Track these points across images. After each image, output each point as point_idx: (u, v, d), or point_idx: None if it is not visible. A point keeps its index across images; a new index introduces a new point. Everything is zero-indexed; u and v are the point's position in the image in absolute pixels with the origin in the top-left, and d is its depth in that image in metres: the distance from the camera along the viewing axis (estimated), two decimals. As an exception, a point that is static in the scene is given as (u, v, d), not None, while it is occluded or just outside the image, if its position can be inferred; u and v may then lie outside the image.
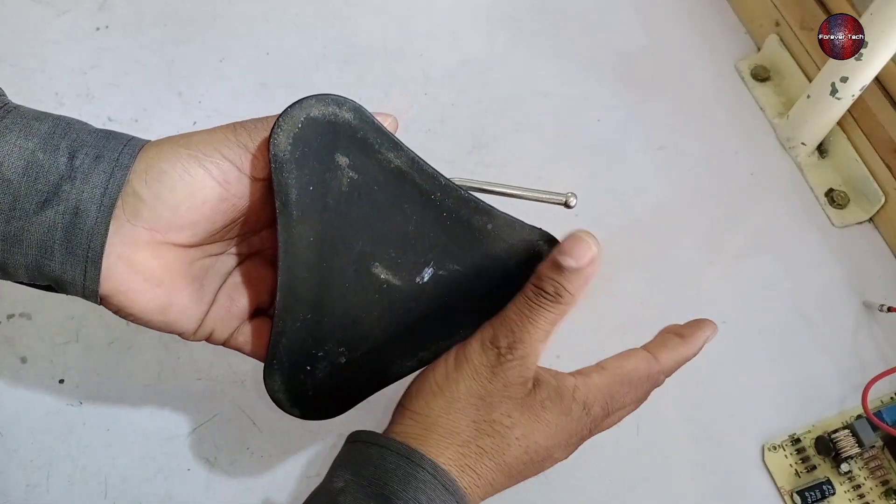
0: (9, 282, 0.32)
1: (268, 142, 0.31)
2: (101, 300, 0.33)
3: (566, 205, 0.36)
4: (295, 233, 0.32)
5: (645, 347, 0.38)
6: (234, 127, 0.32)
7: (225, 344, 0.37)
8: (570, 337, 0.52)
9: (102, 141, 0.31)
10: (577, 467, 0.48)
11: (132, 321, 0.34)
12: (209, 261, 0.36)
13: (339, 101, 0.31)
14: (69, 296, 0.50)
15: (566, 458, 0.36)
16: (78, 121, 0.32)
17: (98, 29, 0.61)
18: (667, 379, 0.38)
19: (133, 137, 0.32)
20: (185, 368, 0.49)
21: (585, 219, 0.56)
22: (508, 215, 0.35)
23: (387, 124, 0.33)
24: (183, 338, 0.36)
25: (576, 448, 0.36)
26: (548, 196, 0.35)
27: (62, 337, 0.50)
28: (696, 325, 0.40)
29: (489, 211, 0.34)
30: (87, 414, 0.48)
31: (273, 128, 0.31)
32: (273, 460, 0.47)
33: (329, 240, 0.33)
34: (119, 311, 0.34)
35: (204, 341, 0.37)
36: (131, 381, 0.49)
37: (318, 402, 0.36)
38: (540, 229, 0.35)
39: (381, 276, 0.34)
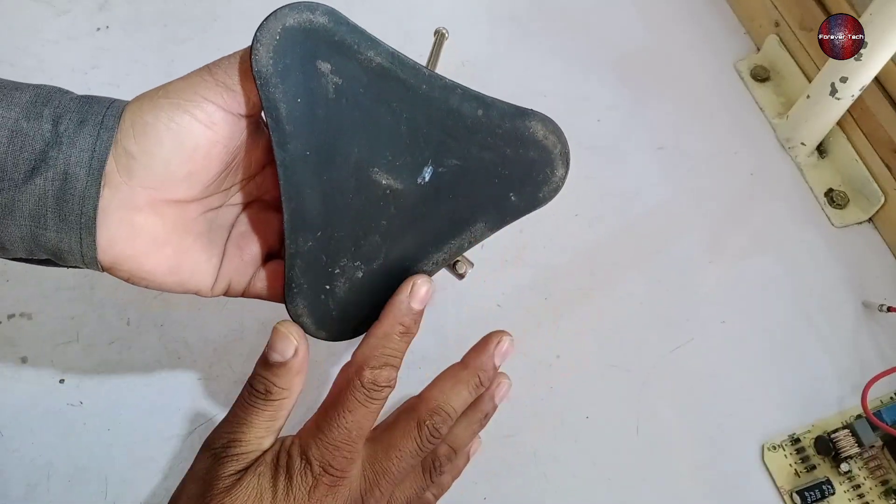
0: (9, 282, 0.31)
1: (249, 67, 0.30)
2: (110, 269, 0.33)
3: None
4: (291, 149, 0.32)
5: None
6: (210, 68, 0.32)
7: (244, 294, 0.37)
8: (570, 337, 0.52)
9: (85, 105, 0.31)
10: (577, 467, 0.48)
11: (146, 286, 0.34)
12: (211, 214, 0.35)
13: (312, 5, 0.31)
14: (68, 296, 0.50)
15: None
16: (58, 88, 0.32)
17: (98, 29, 0.61)
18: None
19: (115, 100, 0.32)
20: (185, 368, 0.49)
21: (586, 219, 0.56)
22: (499, 100, 0.34)
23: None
24: (201, 295, 0.35)
25: (336, 500, 0.33)
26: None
27: (62, 337, 0.50)
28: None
29: (478, 97, 0.33)
30: (88, 414, 0.48)
31: (252, 43, 0.30)
32: (273, 460, 0.47)
33: (325, 152, 0.32)
34: (131, 278, 0.33)
35: (223, 296, 0.36)
36: (131, 381, 0.49)
37: (342, 321, 0.35)
38: (532, 110, 0.35)
39: (383, 182, 0.33)
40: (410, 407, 0.36)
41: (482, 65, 0.62)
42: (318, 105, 0.31)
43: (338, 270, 0.34)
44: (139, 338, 0.50)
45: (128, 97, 0.57)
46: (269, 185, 0.37)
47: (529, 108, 0.35)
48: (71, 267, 0.33)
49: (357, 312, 0.36)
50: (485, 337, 0.39)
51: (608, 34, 0.64)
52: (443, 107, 0.33)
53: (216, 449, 0.34)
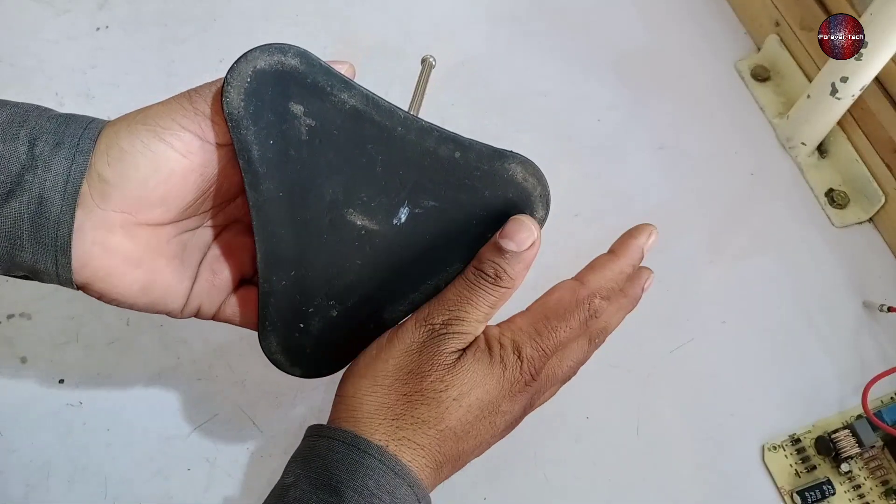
0: (9, 282, 0.32)
1: (220, 102, 0.30)
2: (83, 287, 0.33)
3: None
4: (263, 189, 0.32)
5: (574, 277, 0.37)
6: (190, 95, 0.32)
7: (214, 318, 0.37)
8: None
9: (62, 126, 0.31)
10: (578, 467, 0.48)
11: (117, 305, 0.34)
12: (186, 236, 0.36)
13: (283, 48, 0.30)
14: (68, 297, 0.50)
15: (521, 413, 0.36)
16: (37, 106, 0.32)
17: (98, 29, 0.61)
18: (608, 307, 0.36)
19: (93, 119, 0.32)
20: (185, 368, 0.49)
21: (585, 219, 0.56)
22: (477, 142, 0.34)
23: (344, 70, 0.32)
24: (171, 316, 0.36)
25: (527, 400, 0.35)
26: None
27: (62, 337, 0.50)
28: (627, 235, 0.38)
29: (455, 139, 0.33)
30: (87, 414, 0.48)
31: (223, 85, 0.30)
32: (273, 460, 0.47)
33: (298, 192, 0.32)
34: (102, 297, 0.33)
35: (193, 317, 0.37)
36: (131, 382, 0.49)
37: (317, 359, 0.36)
38: (512, 153, 0.34)
39: (358, 223, 0.33)
40: (570, 288, 0.36)
41: (482, 65, 0.62)
42: (291, 147, 0.31)
43: (311, 309, 0.35)
44: (139, 338, 0.50)
45: (126, 97, 0.56)
46: (239, 208, 0.37)
47: (509, 150, 0.34)
48: (47, 283, 0.33)
49: (332, 350, 0.36)
50: (634, 227, 0.39)
51: (608, 34, 0.64)
52: (419, 149, 0.33)
53: (435, 324, 0.34)
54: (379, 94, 0.32)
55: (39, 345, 0.49)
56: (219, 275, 0.37)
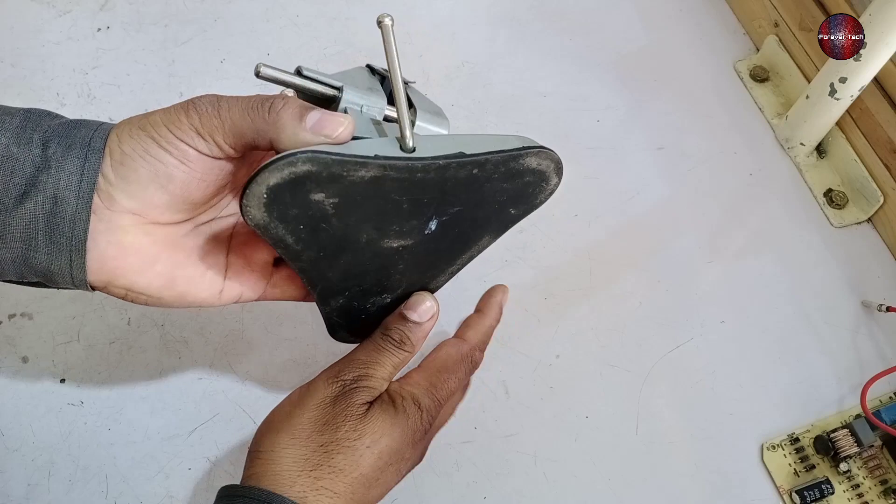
0: (10, 283, 0.32)
1: (224, 133, 0.31)
2: (105, 288, 0.33)
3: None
4: (304, 258, 0.34)
5: (454, 335, 0.43)
6: (188, 108, 0.32)
7: (259, 300, 0.38)
8: (570, 337, 0.52)
9: (73, 130, 0.31)
10: (577, 467, 0.48)
11: (145, 303, 0.34)
12: (203, 227, 0.36)
13: (291, 160, 0.30)
14: (69, 296, 0.50)
15: (419, 458, 0.40)
16: (47, 112, 0.32)
17: (99, 29, 0.61)
18: (483, 356, 0.43)
19: (103, 123, 0.32)
20: (185, 368, 0.49)
21: (585, 219, 0.56)
22: (492, 154, 0.34)
23: (341, 129, 0.31)
24: (207, 306, 0.36)
25: (424, 446, 0.40)
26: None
27: (63, 337, 0.50)
28: (488, 295, 0.45)
29: (472, 161, 0.34)
30: (88, 413, 0.48)
31: (241, 205, 0.30)
32: (273, 460, 0.47)
33: (336, 247, 0.34)
34: (127, 296, 0.34)
35: (237, 303, 0.38)
36: (132, 381, 0.49)
37: (374, 328, 0.41)
38: (523, 149, 0.35)
39: (395, 245, 0.35)
40: (454, 345, 0.41)
41: (482, 65, 0.62)
42: (321, 222, 0.32)
43: (368, 305, 0.39)
44: (139, 338, 0.50)
45: (128, 97, 0.57)
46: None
47: (519, 146, 0.35)
48: (61, 288, 0.33)
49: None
50: (493, 288, 0.45)
51: (608, 34, 0.64)
52: (440, 180, 0.34)
53: (346, 380, 0.37)
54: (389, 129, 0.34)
55: (40, 344, 0.49)
56: (252, 259, 0.37)
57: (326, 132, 0.31)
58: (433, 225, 0.35)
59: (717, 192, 0.58)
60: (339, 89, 0.36)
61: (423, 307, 0.39)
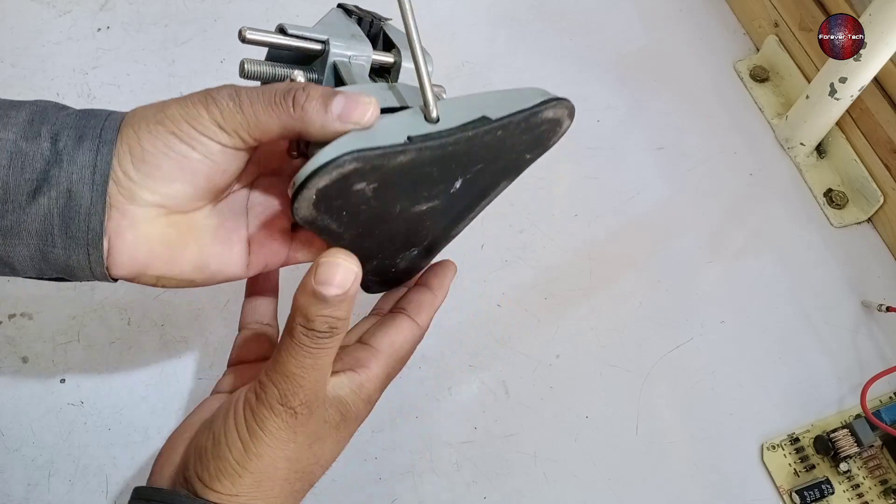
0: (10, 282, 0.32)
1: (248, 129, 0.31)
2: (136, 280, 0.32)
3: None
4: (346, 238, 0.34)
5: (404, 312, 0.38)
6: (206, 102, 0.31)
7: (285, 265, 0.37)
8: (570, 337, 0.52)
9: (82, 121, 0.31)
10: (577, 467, 0.48)
11: (175, 287, 0.34)
12: (221, 206, 0.35)
13: (339, 161, 0.30)
14: (69, 296, 0.50)
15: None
16: (53, 103, 0.32)
17: (99, 29, 0.61)
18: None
19: (111, 112, 0.32)
20: (185, 368, 0.49)
21: (585, 219, 0.56)
22: (515, 115, 0.34)
23: (368, 114, 0.31)
24: (237, 279, 0.36)
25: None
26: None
27: (63, 337, 0.50)
28: (441, 274, 0.41)
29: (498, 125, 0.34)
30: (88, 413, 0.48)
31: (292, 207, 0.30)
32: (274, 460, 0.47)
33: (374, 222, 0.34)
34: (158, 283, 0.33)
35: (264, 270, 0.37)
36: (132, 381, 0.49)
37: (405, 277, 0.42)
38: (539, 105, 0.35)
39: (424, 208, 0.35)
40: (410, 329, 0.38)
41: (482, 65, 0.62)
42: (361, 205, 0.33)
43: (399, 259, 0.39)
44: (139, 338, 0.50)
45: (128, 97, 0.56)
46: (268, 158, 0.37)
47: (539, 102, 0.35)
48: (83, 280, 0.33)
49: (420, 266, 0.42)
50: (441, 264, 0.42)
51: (608, 34, 0.64)
52: (467, 149, 0.34)
53: (296, 408, 0.32)
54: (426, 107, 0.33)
55: (41, 344, 0.49)
56: (272, 226, 0.36)
57: (355, 119, 0.31)
58: (458, 184, 0.35)
59: (717, 192, 0.58)
60: (325, 42, 0.36)
61: (339, 274, 0.30)
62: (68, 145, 0.30)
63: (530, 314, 0.52)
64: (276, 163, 0.36)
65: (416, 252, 0.39)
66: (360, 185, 0.31)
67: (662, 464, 0.48)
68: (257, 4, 0.63)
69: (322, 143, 0.31)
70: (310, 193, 0.30)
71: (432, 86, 0.33)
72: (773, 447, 0.49)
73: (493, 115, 0.34)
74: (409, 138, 0.32)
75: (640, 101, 0.61)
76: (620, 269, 0.54)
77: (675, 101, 0.61)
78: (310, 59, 0.37)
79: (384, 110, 0.33)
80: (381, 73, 0.39)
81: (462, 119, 0.33)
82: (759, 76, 0.62)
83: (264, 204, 0.37)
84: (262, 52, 0.37)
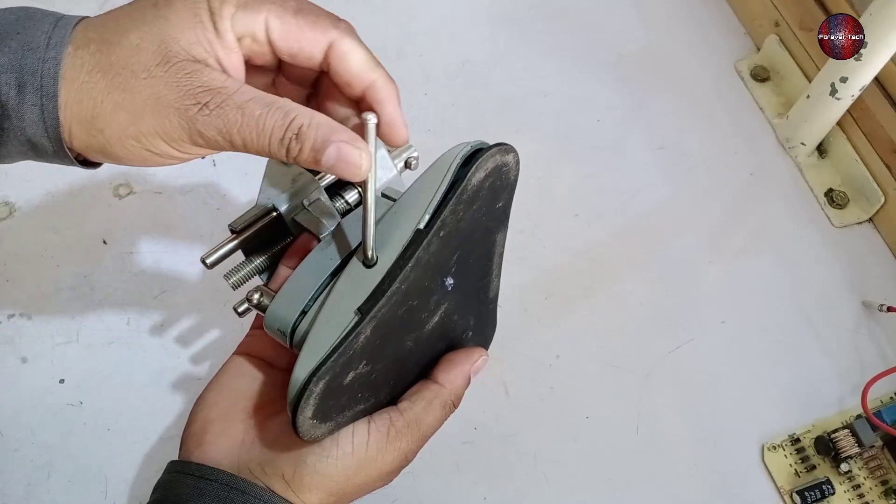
0: (10, 282, 0.31)
1: (234, 147, 0.30)
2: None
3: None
4: (374, 404, 0.34)
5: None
6: (190, 130, 0.29)
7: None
8: (570, 337, 0.52)
9: (17, 55, 0.28)
10: (577, 467, 0.48)
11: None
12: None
13: (309, 390, 0.30)
14: (69, 296, 0.50)
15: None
16: None
17: (98, 29, 0.61)
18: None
19: (50, 37, 0.29)
20: (185, 368, 0.49)
21: (585, 219, 0.56)
22: (439, 209, 0.32)
23: (363, 164, 0.29)
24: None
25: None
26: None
27: (62, 337, 0.50)
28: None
29: (437, 227, 0.32)
30: (88, 414, 0.48)
31: (294, 429, 0.31)
32: (273, 460, 0.47)
33: (398, 366, 0.35)
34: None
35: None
36: (131, 381, 0.49)
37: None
38: (463, 172, 0.32)
39: (437, 319, 0.35)
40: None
41: (482, 65, 0.62)
42: (368, 377, 0.32)
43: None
44: (139, 338, 0.50)
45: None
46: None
47: (461, 174, 0.32)
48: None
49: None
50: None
51: (608, 34, 0.64)
52: (424, 267, 0.32)
53: (408, 455, 0.35)
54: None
55: (40, 345, 0.49)
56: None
57: (350, 162, 0.30)
58: (449, 283, 0.34)
59: (717, 192, 0.58)
60: (272, 208, 0.35)
61: (479, 362, 0.38)
62: (11, 97, 0.28)
63: (530, 314, 0.52)
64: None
65: (469, 335, 0.39)
66: (349, 377, 0.31)
67: (663, 464, 0.48)
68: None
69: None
70: (307, 426, 0.30)
71: (375, 223, 0.31)
72: (774, 447, 0.49)
73: (423, 222, 0.31)
74: (358, 311, 0.30)
75: (640, 100, 0.61)
76: (620, 269, 0.54)
77: (676, 101, 0.61)
78: (278, 227, 0.36)
79: (330, 274, 0.32)
80: (342, 184, 0.37)
81: (400, 244, 0.31)
82: (760, 76, 0.62)
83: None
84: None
